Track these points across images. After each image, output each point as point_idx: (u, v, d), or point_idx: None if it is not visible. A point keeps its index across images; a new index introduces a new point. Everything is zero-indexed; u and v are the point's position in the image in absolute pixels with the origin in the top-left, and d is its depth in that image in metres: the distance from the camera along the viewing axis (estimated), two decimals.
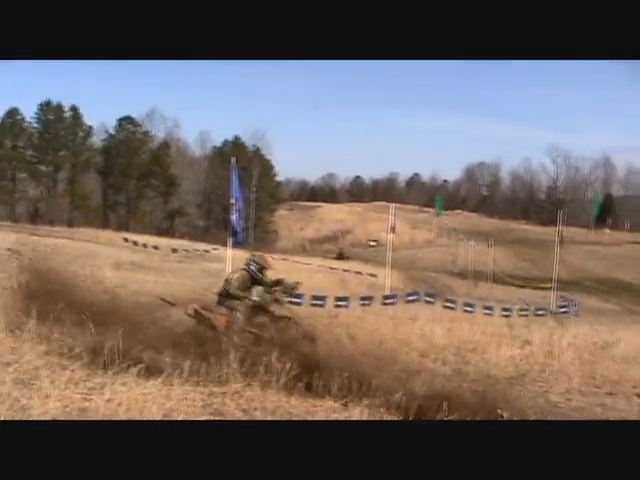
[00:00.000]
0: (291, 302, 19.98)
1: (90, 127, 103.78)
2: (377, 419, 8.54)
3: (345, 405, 9.15)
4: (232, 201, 19.29)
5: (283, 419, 8.16)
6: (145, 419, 7.16)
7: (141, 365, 10.33)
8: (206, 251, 49.43)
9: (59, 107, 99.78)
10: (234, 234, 19.72)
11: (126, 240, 50.88)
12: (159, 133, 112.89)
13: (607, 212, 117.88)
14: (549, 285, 37.22)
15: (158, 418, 7.50)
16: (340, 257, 64.80)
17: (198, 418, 7.79)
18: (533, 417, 9.85)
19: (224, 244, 26.16)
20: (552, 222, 40.90)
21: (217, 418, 7.96)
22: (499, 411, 9.28)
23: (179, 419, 7.35)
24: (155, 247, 47.85)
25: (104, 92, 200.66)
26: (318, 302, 20.54)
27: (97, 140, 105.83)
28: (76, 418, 7.32)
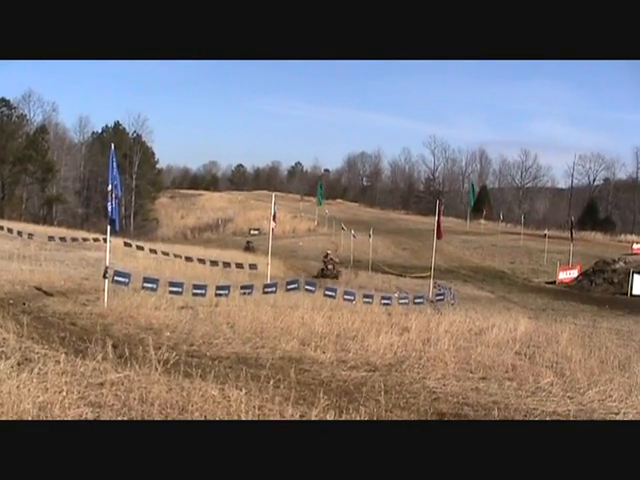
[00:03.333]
0: (172, 292, 19.83)
1: None
2: (262, 407, 8.55)
3: (222, 391, 9.13)
4: (109, 188, 18.88)
5: (164, 410, 8.08)
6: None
7: (16, 356, 10.08)
8: (85, 239, 48.28)
9: None
10: (112, 222, 19.32)
11: (1, 228, 49.24)
12: (36, 117, 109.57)
13: (482, 203, 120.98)
14: (427, 274, 37.98)
15: (35, 411, 7.31)
16: (248, 249, 63.99)
17: (75, 410, 7.64)
18: (412, 402, 10.07)
19: (104, 232, 25.70)
20: (431, 212, 41.77)
21: (95, 410, 7.81)
22: None
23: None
24: (31, 235, 46.47)
25: None
26: (200, 291, 20.39)
27: None
28: None
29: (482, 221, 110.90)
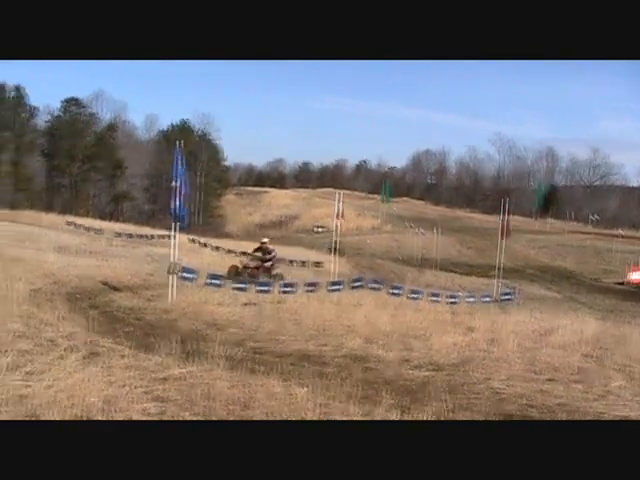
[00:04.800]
0: (236, 288, 19.95)
1: (35, 108, 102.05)
2: (326, 405, 8.53)
3: (286, 388, 9.14)
4: (173, 184, 19.05)
5: (229, 406, 8.11)
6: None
7: (83, 350, 10.24)
8: (151, 236, 48.90)
9: (2, 87, 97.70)
10: (179, 218, 19.50)
11: (70, 223, 50.15)
12: (106, 116, 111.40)
13: (550, 202, 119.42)
14: (492, 273, 37.61)
15: (100, 405, 7.41)
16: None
17: (140, 405, 7.72)
18: (476, 403, 9.95)
19: (170, 229, 25.96)
20: (497, 211, 41.47)
21: (157, 404, 7.89)
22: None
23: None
24: (99, 231, 47.25)
25: (50, 73, 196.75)
26: (264, 288, 20.49)
27: (42, 121, 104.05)
28: (15, 405, 7.20)
29: (549, 220, 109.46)
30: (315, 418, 7.84)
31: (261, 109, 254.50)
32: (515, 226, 67.30)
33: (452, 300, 24.27)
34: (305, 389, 9.04)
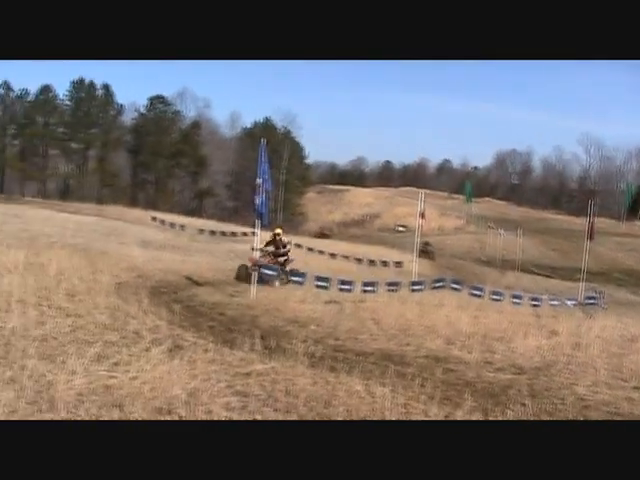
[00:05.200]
0: (318, 286, 20.01)
1: (121, 105, 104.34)
2: (407, 405, 8.49)
3: (367, 387, 9.13)
4: (258, 181, 19.21)
5: (310, 404, 8.13)
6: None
7: (167, 343, 10.41)
8: (234, 233, 49.38)
9: (91, 85, 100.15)
10: (260, 215, 19.66)
11: (154, 219, 51.02)
12: (190, 113, 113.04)
13: (639, 204, 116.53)
14: (577, 276, 36.94)
15: (184, 397, 7.53)
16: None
17: (222, 399, 7.80)
18: (560, 409, 9.76)
19: (252, 225, 26.13)
20: (583, 212, 40.45)
21: (240, 399, 7.96)
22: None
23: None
24: (182, 226, 47.95)
25: (136, 71, 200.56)
26: (346, 287, 20.49)
27: (128, 119, 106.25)
28: (100, 395, 7.36)
29: (638, 222, 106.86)
30: (395, 418, 7.80)
31: (342, 107, 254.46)
32: (602, 228, 66.00)
33: (535, 303, 23.90)
34: (386, 389, 9.00)
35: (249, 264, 21.53)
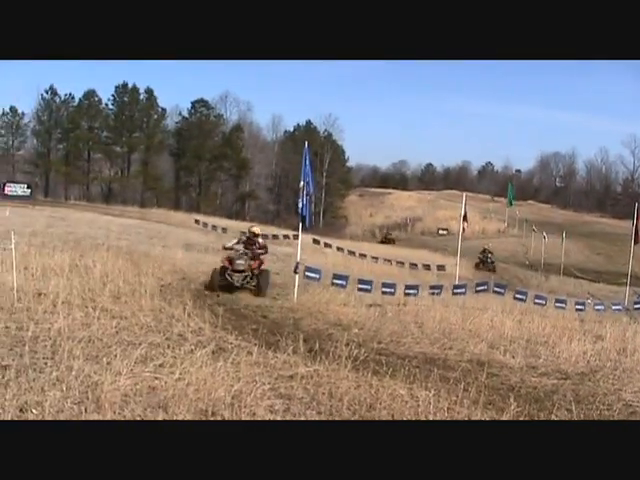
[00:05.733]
0: (361, 289, 19.98)
1: (164, 109, 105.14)
2: (450, 409, 8.45)
3: (410, 390, 9.11)
4: (302, 184, 19.26)
5: (352, 407, 8.13)
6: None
7: (211, 345, 10.47)
8: (276, 236, 49.49)
9: (134, 89, 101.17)
10: (303, 219, 19.72)
11: (197, 222, 51.35)
12: (232, 116, 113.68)
13: None
14: (623, 280, 36.49)
15: (229, 399, 7.57)
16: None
17: (266, 401, 7.83)
18: (605, 415, 9.65)
19: (294, 228, 26.20)
20: (628, 216, 39.98)
21: (283, 402, 7.99)
22: None
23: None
24: (224, 229, 48.18)
25: (179, 74, 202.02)
26: (388, 290, 20.44)
27: (171, 122, 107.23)
28: (145, 396, 7.43)
29: None
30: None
31: (383, 110, 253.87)
32: None
33: (580, 307, 23.65)
34: (429, 392, 8.98)
35: (226, 264, 19.11)
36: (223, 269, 19.15)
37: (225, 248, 20.18)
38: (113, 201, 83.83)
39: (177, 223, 50.87)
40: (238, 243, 20.21)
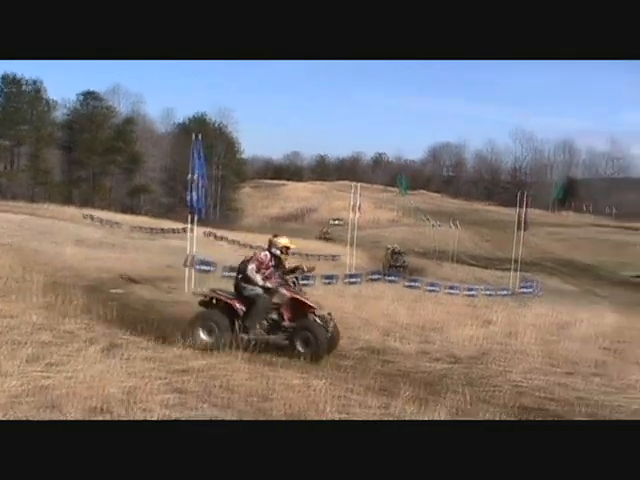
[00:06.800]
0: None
1: (53, 101, 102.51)
2: (344, 397, 8.53)
3: (305, 380, 9.16)
4: (191, 177, 19.13)
5: (247, 398, 8.13)
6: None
7: (103, 342, 10.29)
8: (169, 230, 48.98)
9: (19, 80, 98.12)
10: (197, 210, 19.61)
11: (89, 217, 50.41)
12: (123, 109, 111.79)
13: (569, 194, 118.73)
14: (511, 266, 37.58)
15: (120, 396, 7.45)
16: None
17: (159, 396, 7.75)
18: (496, 396, 9.90)
19: (186, 221, 26.05)
20: (515, 204, 41.16)
21: (178, 396, 7.91)
22: None
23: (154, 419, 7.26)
24: (118, 224, 47.48)
25: (68, 66, 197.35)
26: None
27: (60, 115, 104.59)
28: (36, 396, 7.25)
29: (569, 213, 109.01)
30: (334, 410, 7.82)
31: (277, 102, 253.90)
32: (533, 219, 67.13)
33: (470, 293, 24.25)
34: (323, 381, 9.04)
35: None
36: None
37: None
38: (1, 196, 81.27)
39: (69, 218, 49.84)
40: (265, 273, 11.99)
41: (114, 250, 28.47)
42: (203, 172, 19.40)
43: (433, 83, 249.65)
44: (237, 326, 11.20)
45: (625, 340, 15.97)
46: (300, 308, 11.78)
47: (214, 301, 11.82)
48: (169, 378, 8.57)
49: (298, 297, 11.77)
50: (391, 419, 7.63)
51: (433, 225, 59.04)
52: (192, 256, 19.48)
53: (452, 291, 23.54)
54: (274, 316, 11.70)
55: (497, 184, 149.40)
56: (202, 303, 12.04)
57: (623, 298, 36.78)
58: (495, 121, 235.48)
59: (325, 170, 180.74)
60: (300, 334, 11.30)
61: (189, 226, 20.81)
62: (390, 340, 13.87)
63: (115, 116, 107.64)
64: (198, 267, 19.46)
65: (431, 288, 23.20)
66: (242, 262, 11.97)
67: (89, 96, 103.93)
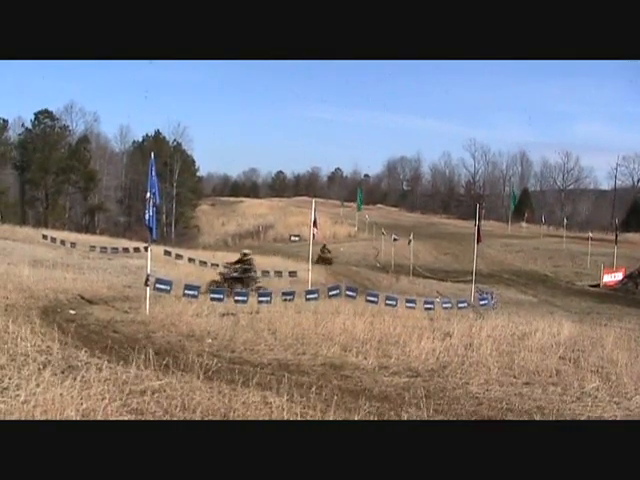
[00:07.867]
0: (213, 299, 19.92)
1: (5, 121, 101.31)
2: (304, 414, 8.51)
3: (264, 398, 9.14)
4: (147, 196, 19.06)
5: (206, 417, 8.08)
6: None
7: (60, 364, 10.18)
8: (125, 249, 48.48)
9: None
10: (150, 230, 19.52)
11: (45, 237, 49.81)
12: (78, 127, 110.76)
13: (524, 206, 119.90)
14: (469, 278, 37.81)
15: (77, 419, 7.37)
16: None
17: (117, 418, 7.68)
18: (454, 408, 9.96)
19: (145, 240, 25.86)
20: (472, 216, 41.37)
21: (137, 417, 7.85)
22: None
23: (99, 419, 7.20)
24: (74, 244, 46.96)
25: (20, 86, 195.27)
26: (241, 298, 20.46)
27: (13, 134, 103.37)
28: None
29: (524, 224, 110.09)
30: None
31: (234, 119, 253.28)
32: (489, 231, 67.84)
33: (429, 306, 24.33)
34: (283, 398, 9.03)
35: None
36: None
37: None
38: None
39: (23, 239, 49.21)
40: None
41: (72, 270, 28.16)
42: (156, 190, 19.30)
43: (384, 95, 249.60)
44: None
45: (581, 348, 16.15)
46: None
47: None
48: (127, 399, 8.50)
49: None
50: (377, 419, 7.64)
51: (390, 239, 59.21)
52: (151, 275, 19.37)
53: (410, 304, 23.58)
54: None
55: (453, 197, 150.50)
56: None
57: (580, 307, 37.21)
58: (449, 134, 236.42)
59: (282, 186, 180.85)
60: None
61: (148, 245, 20.69)
62: (349, 355, 13.89)
63: (70, 135, 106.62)
64: (156, 286, 19.33)
65: (389, 302, 23.21)
66: None
67: (43, 115, 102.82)
